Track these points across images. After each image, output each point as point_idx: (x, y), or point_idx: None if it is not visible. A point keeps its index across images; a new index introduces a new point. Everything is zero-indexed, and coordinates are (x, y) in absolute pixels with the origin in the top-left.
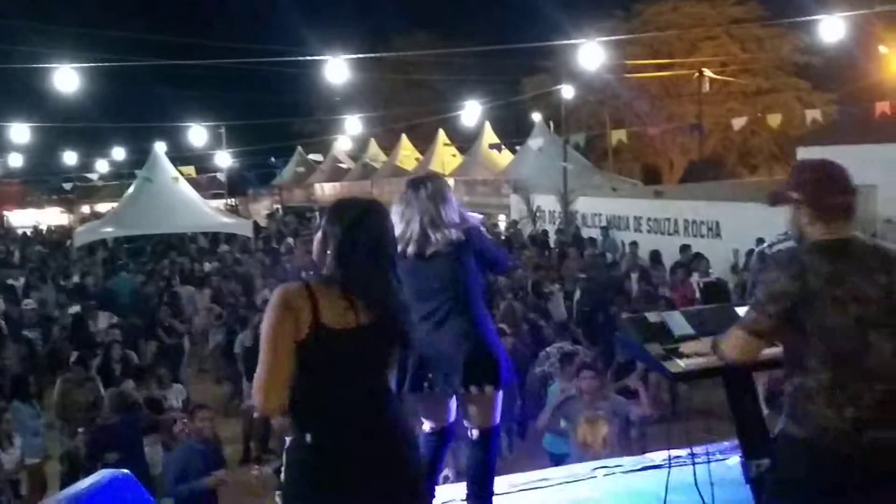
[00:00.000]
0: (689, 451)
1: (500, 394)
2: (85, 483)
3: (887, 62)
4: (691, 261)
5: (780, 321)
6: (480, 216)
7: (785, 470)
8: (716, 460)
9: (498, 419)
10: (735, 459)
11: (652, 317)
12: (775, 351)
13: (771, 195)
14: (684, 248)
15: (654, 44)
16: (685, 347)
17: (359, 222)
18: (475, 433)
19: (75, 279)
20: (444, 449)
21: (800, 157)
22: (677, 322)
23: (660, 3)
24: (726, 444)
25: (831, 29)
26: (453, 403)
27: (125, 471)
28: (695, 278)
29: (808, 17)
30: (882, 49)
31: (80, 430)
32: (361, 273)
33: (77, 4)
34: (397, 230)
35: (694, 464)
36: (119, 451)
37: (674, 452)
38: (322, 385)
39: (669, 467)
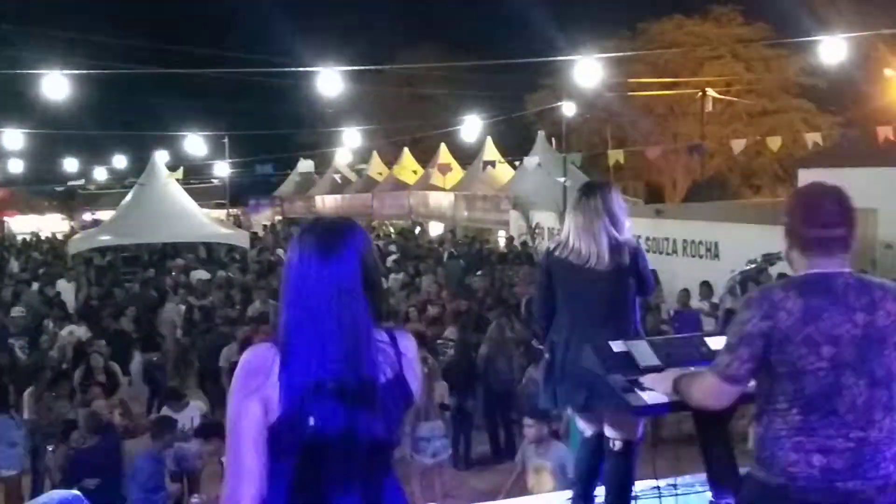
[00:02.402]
0: (658, 483)
1: None
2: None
3: (892, 86)
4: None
5: (756, 364)
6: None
7: None
8: (684, 493)
9: (640, 434)
10: (705, 495)
11: (616, 346)
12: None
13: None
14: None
15: (658, 63)
16: (645, 380)
17: (321, 252)
18: (618, 444)
19: (61, 287)
20: (634, 463)
21: (801, 179)
22: (643, 352)
23: (664, 21)
24: (701, 476)
25: (833, 50)
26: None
27: (76, 492)
28: (695, 304)
29: (810, 38)
30: (888, 72)
31: (49, 447)
32: (318, 330)
33: (80, 13)
34: (574, 240)
35: (660, 496)
36: (98, 476)
37: (645, 484)
38: (302, 486)
39: (635, 499)
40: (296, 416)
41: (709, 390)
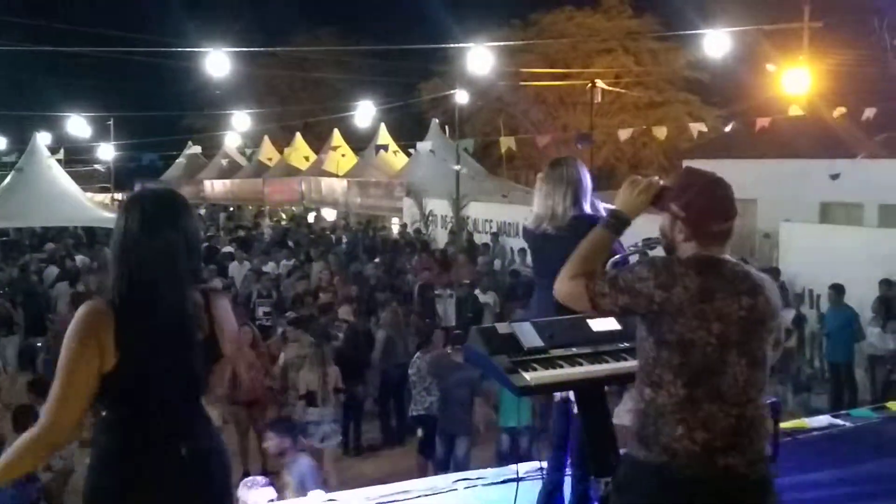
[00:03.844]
0: (543, 465)
1: None
2: None
3: (773, 80)
4: None
5: (624, 314)
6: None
7: (635, 495)
8: (569, 474)
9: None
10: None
11: (502, 328)
12: (628, 365)
13: (655, 196)
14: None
15: (549, 53)
16: None
17: (149, 219)
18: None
19: None
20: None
21: None
22: (527, 333)
23: (556, 13)
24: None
25: (717, 43)
26: None
27: None
28: None
29: (695, 31)
30: (769, 67)
31: None
32: (148, 288)
33: None
34: (538, 207)
35: (543, 478)
36: None
37: (530, 465)
38: (128, 422)
39: (518, 481)
40: (129, 362)
41: (572, 294)
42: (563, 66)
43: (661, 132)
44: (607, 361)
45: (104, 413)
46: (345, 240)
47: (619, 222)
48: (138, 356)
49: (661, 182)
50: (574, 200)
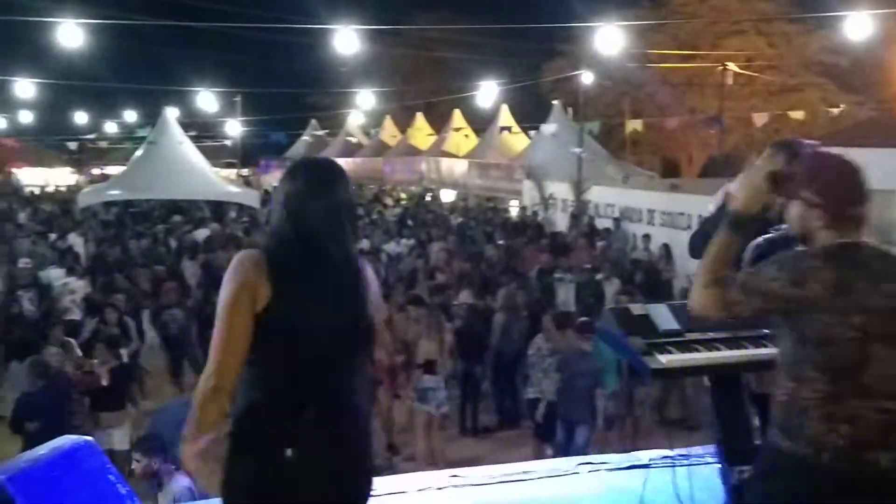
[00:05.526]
0: (671, 453)
1: None
2: (45, 449)
3: None
4: None
5: (757, 316)
6: None
7: (777, 486)
8: (697, 463)
9: None
10: (716, 466)
11: (636, 309)
12: (768, 351)
13: (772, 176)
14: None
15: (679, 35)
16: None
17: (315, 182)
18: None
19: (72, 240)
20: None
21: None
22: (663, 315)
23: None
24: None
25: (858, 27)
26: None
27: (89, 438)
28: None
29: (834, 13)
30: None
31: None
32: (317, 236)
33: None
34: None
35: (674, 466)
36: (40, 420)
37: (658, 453)
38: (281, 363)
39: (647, 468)
40: (279, 307)
41: (707, 305)
42: (692, 48)
43: (797, 114)
44: (746, 347)
45: (256, 361)
46: (458, 220)
47: (739, 222)
48: (294, 303)
49: (783, 167)
50: None
